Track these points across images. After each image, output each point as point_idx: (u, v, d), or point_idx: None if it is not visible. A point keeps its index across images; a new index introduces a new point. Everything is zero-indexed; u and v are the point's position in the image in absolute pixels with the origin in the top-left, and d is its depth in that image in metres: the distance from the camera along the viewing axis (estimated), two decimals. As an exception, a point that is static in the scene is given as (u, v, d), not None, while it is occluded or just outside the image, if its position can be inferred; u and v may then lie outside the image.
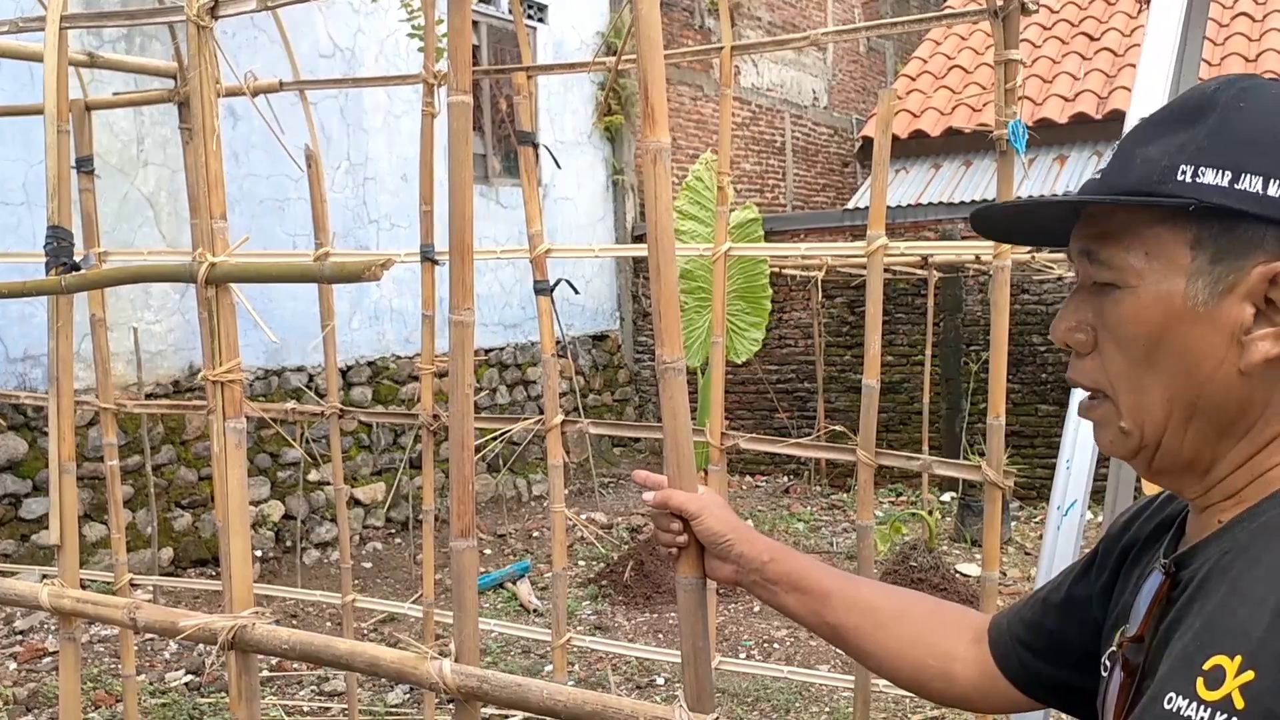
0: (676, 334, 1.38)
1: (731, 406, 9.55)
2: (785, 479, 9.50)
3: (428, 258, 3.34)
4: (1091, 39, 9.89)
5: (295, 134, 3.91)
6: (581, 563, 7.08)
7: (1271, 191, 0.84)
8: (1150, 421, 0.90)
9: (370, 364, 7.77)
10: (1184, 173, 0.86)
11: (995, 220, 1.01)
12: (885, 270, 8.49)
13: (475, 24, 8.76)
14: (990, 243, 2.66)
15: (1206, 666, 0.80)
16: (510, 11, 7.04)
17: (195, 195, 3.57)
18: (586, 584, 6.51)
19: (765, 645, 5.52)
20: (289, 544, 6.96)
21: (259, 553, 6.70)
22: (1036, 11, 2.77)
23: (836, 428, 4.29)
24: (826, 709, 4.67)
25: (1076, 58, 9.73)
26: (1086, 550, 1.22)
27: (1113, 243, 0.90)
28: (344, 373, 7.48)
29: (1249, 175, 0.85)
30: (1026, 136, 2.65)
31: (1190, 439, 0.90)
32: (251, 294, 1.86)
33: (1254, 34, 9.18)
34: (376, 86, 6.77)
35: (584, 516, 7.83)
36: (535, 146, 3.17)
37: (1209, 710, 0.78)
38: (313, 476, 7.20)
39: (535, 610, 6.02)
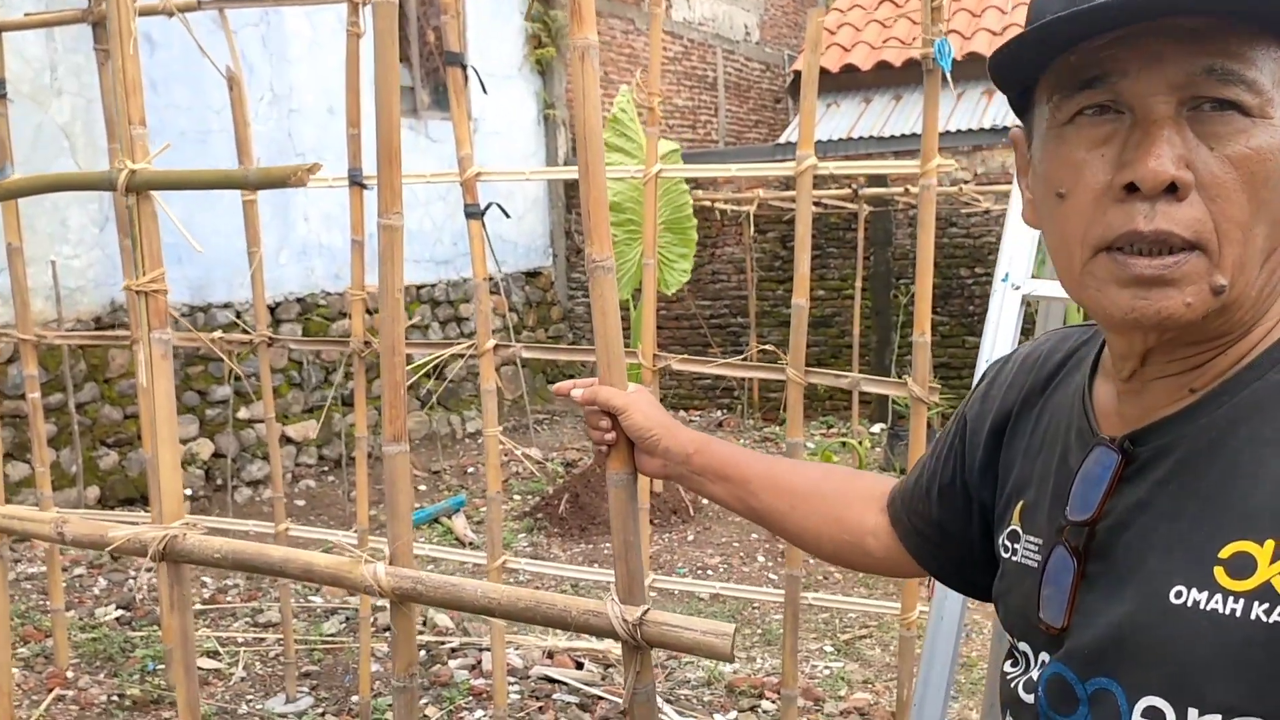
0: (605, 232, 1.39)
1: (665, 341, 9.60)
2: (719, 413, 9.60)
3: (356, 182, 3.30)
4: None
5: (216, 61, 3.81)
6: (517, 496, 7.12)
7: None
8: (1245, 276, 0.78)
9: (299, 300, 7.67)
10: None
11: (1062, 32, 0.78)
12: (816, 204, 8.56)
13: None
14: (916, 165, 2.69)
15: (1224, 554, 0.75)
16: (437, -62, 6.88)
17: (113, 119, 3.48)
18: (522, 517, 6.56)
19: (699, 572, 5.62)
20: (219, 482, 6.89)
21: (189, 491, 6.63)
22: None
23: (767, 347, 4.34)
24: (759, 630, 4.78)
25: None
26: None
27: (1253, 65, 0.75)
28: (273, 310, 7.37)
29: None
30: (953, 55, 2.68)
31: (1255, 295, 0.80)
32: (169, 230, 1.83)
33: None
34: (301, 5, 6.60)
35: (519, 452, 7.85)
36: (464, 68, 3.13)
37: (1241, 601, 0.73)
38: (243, 414, 7.11)
39: (471, 544, 6.04)
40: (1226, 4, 0.73)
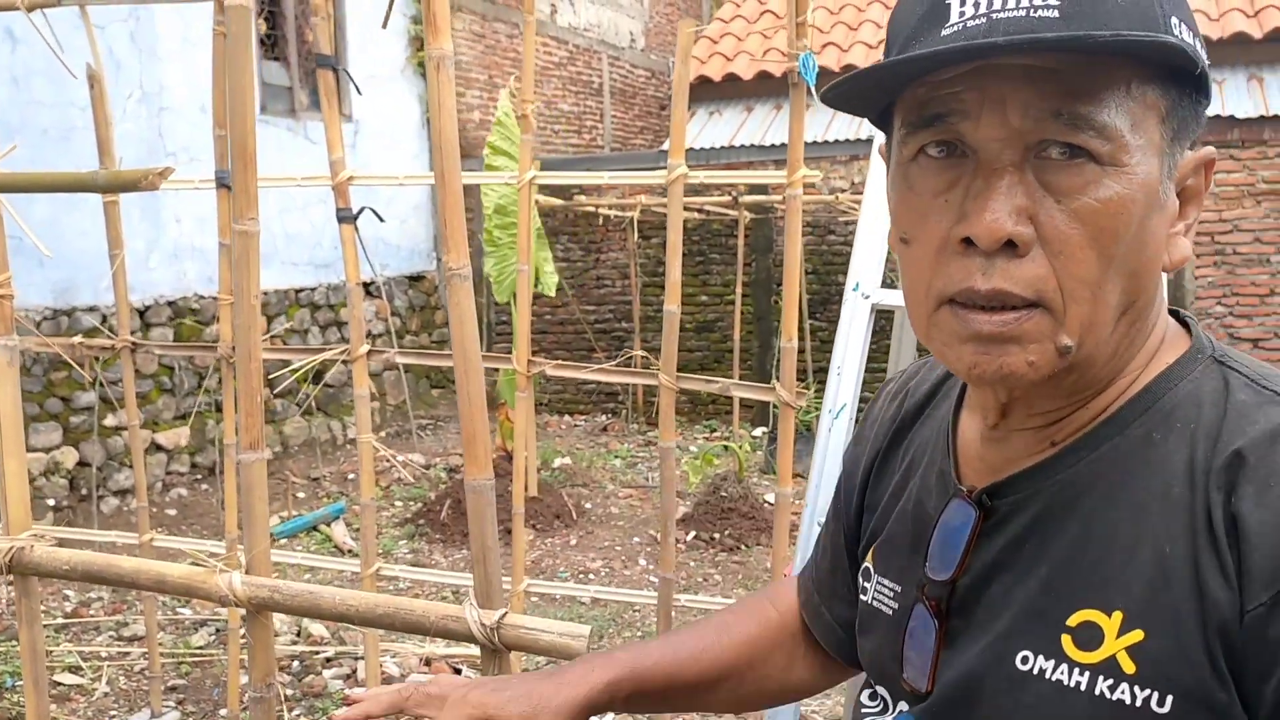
0: (462, 240, 1.40)
1: (550, 346, 9.59)
2: (603, 417, 9.63)
3: (224, 184, 3.24)
4: (895, -11, 10.27)
5: (78, 58, 3.69)
6: (399, 503, 7.03)
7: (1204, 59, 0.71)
8: (1096, 335, 0.73)
9: (171, 304, 7.45)
10: (1176, 25, 0.70)
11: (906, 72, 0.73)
12: (699, 211, 8.63)
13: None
14: (783, 175, 2.77)
15: (1072, 622, 0.73)
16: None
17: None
18: (404, 524, 6.48)
19: (581, 576, 5.64)
20: (84, 492, 6.65)
21: (51, 502, 6.38)
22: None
23: (644, 354, 4.39)
24: (640, 633, 4.82)
25: (880, 6, 10.06)
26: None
27: (1104, 107, 0.69)
28: (142, 313, 7.15)
29: (1198, 40, 0.72)
30: (817, 69, 2.76)
31: (1121, 344, 0.76)
32: (36, 228, 1.77)
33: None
34: (165, 2, 6.42)
35: (402, 458, 7.76)
36: (335, 71, 3.10)
37: (1087, 674, 0.71)
38: (109, 421, 6.88)
39: (350, 551, 5.95)
40: (1072, 43, 0.67)
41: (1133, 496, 0.73)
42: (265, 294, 7.74)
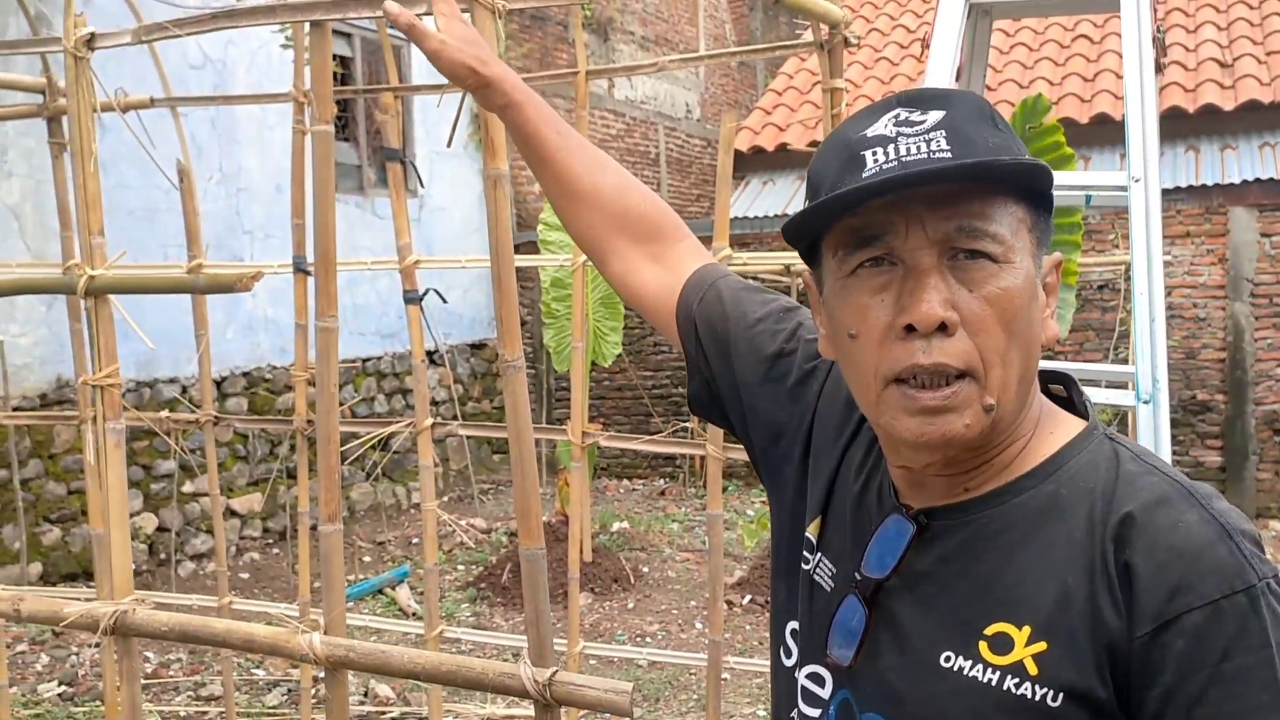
0: (516, 335, 1.58)
1: (608, 411, 9.77)
2: (661, 482, 9.76)
3: (300, 269, 3.47)
4: (919, 60, 10.44)
5: (167, 145, 3.98)
6: (461, 567, 7.20)
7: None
8: (1008, 395, 0.92)
9: (245, 374, 7.76)
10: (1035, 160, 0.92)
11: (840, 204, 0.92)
12: (753, 278, 8.79)
13: (348, 35, 8.82)
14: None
15: (989, 632, 0.91)
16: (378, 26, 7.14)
17: (65, 208, 3.62)
18: (465, 587, 6.64)
19: (638, 639, 5.74)
20: (163, 556, 6.92)
21: (131, 566, 6.64)
22: (859, 46, 3.05)
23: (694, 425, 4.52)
24: (695, 696, 4.91)
25: (904, 79, 10.25)
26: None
27: (994, 221, 0.90)
28: (219, 383, 7.46)
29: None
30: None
31: (1015, 411, 0.94)
32: (123, 304, 1.98)
33: (1092, 55, 9.81)
34: (248, 104, 6.80)
35: (464, 522, 7.95)
36: (403, 163, 3.33)
37: (998, 673, 0.89)
38: (187, 488, 7.16)
39: (415, 614, 6.12)
40: (972, 176, 0.89)
41: (1044, 537, 0.92)
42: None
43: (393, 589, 6.55)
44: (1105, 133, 8.91)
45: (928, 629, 0.95)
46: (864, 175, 0.90)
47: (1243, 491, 8.19)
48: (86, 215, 1.83)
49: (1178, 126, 8.80)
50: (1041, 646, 0.89)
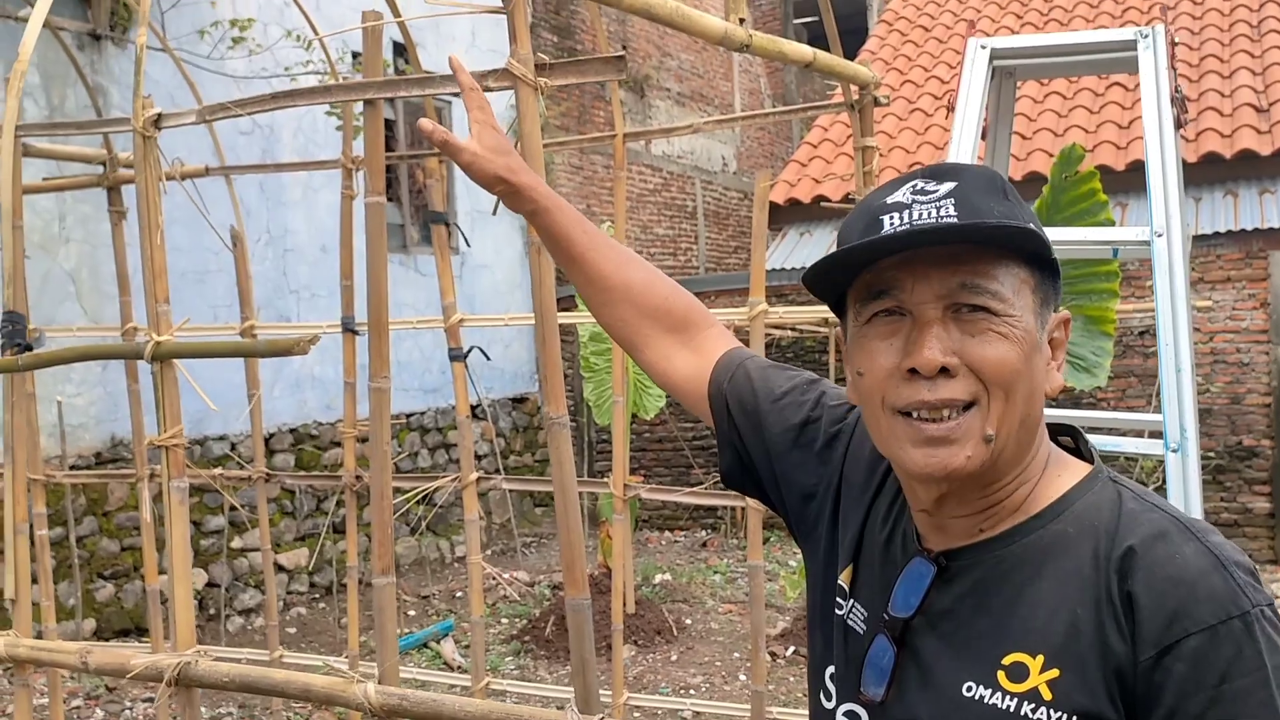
0: (560, 394, 1.66)
1: (649, 463, 9.82)
2: (703, 533, 9.76)
3: (348, 329, 3.57)
4: (945, 126, 10.52)
5: (215, 208, 4.12)
6: (505, 620, 7.23)
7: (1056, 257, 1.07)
8: (1007, 429, 1.00)
9: (292, 431, 7.90)
10: (1036, 227, 1.02)
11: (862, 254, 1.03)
12: (791, 329, 8.83)
13: (391, 101, 9.05)
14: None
15: (1006, 662, 0.99)
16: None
17: (124, 274, 3.76)
18: (509, 640, 6.67)
19: (682, 691, 5.74)
20: (213, 611, 7.02)
21: (182, 621, 6.75)
22: (890, 103, 3.12)
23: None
24: (739, 749, 4.90)
25: (939, 130, 10.33)
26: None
27: (994, 279, 1.00)
28: (266, 440, 7.59)
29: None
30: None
31: (1016, 448, 1.03)
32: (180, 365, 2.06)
33: (1126, 102, 9.85)
34: (298, 171, 7.00)
35: (507, 575, 8.00)
36: (447, 225, 3.44)
37: (1015, 700, 0.97)
38: (235, 544, 7.28)
39: (460, 667, 6.16)
40: (966, 237, 0.99)
41: (1053, 572, 1.01)
42: (366, 420, 8.16)
43: (438, 643, 6.60)
44: (1141, 179, 8.93)
45: (950, 662, 1.03)
46: (880, 236, 1.01)
47: (1293, 538, 8.07)
48: (153, 284, 1.93)
49: (1215, 172, 8.79)
50: (1055, 674, 0.97)
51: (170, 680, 1.90)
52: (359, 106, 3.92)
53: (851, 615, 1.15)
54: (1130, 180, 8.99)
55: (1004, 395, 1.00)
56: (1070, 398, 8.28)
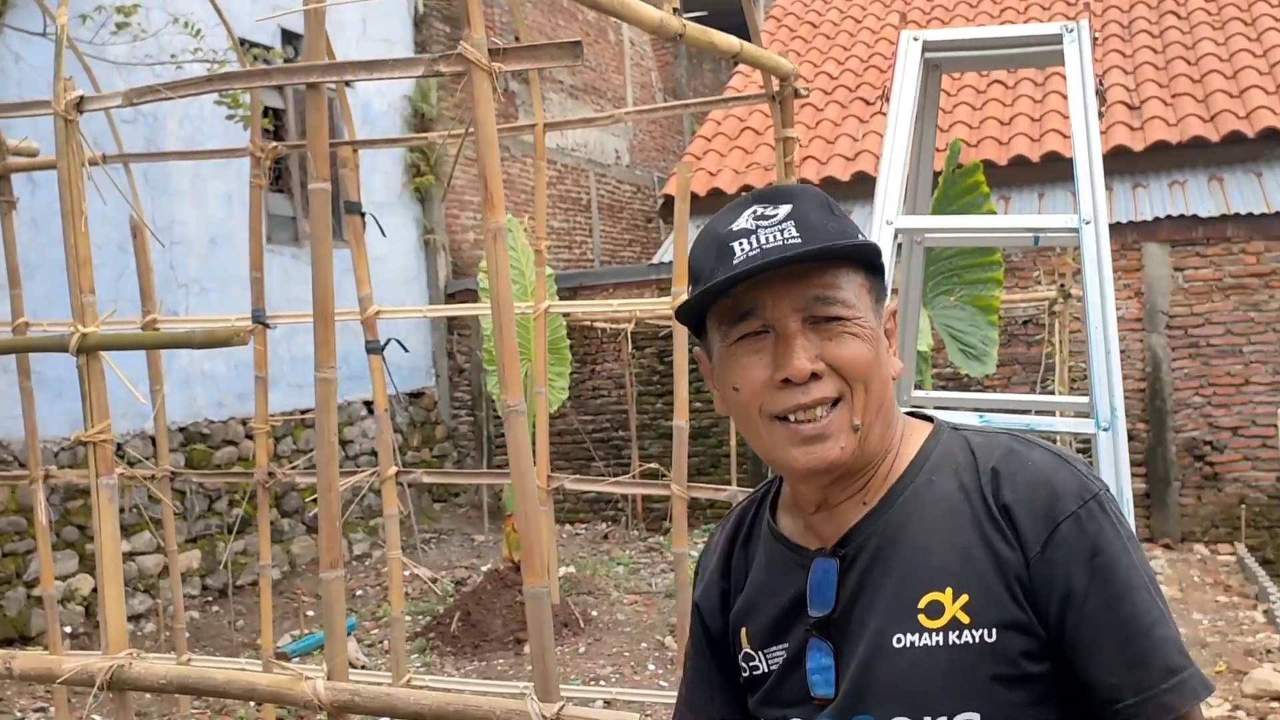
0: (517, 381, 1.64)
1: (550, 457, 9.79)
2: (604, 525, 9.78)
3: (259, 321, 3.48)
4: (867, 103, 10.76)
5: (97, 199, 3.95)
6: (407, 617, 7.13)
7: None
8: (869, 416, 1.13)
9: (182, 430, 7.65)
10: (861, 237, 1.16)
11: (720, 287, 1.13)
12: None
13: (280, 88, 8.83)
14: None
15: (922, 605, 1.09)
16: (320, 78, 7.16)
17: (14, 266, 3.59)
18: (414, 637, 6.59)
19: (591, 683, 5.75)
20: (99, 619, 6.76)
21: (68, 629, 6.49)
22: (809, 96, 3.18)
23: (651, 465, 4.60)
24: (652, 737, 4.93)
25: (855, 120, 10.55)
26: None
27: (840, 289, 1.12)
28: (153, 439, 7.34)
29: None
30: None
31: (880, 429, 1.16)
32: (52, 364, 1.97)
33: (1035, 114, 10.18)
34: (208, 159, 6.77)
35: (406, 572, 7.89)
36: (362, 215, 3.38)
37: (940, 634, 1.07)
38: (124, 547, 7.02)
39: (363, 666, 6.06)
40: (815, 257, 1.10)
41: (932, 515, 1.13)
42: (272, 416, 7.96)
43: (340, 642, 6.47)
44: (1022, 174, 9.27)
45: (875, 626, 1.12)
46: (735, 263, 1.11)
47: (1166, 516, 8.48)
48: (77, 274, 1.86)
49: (1091, 167, 9.15)
50: (965, 599, 1.08)
51: (103, 684, 1.83)
52: (247, 96, 3.82)
53: (771, 660, 1.20)
54: (1012, 175, 9.32)
55: (864, 388, 1.12)
56: (960, 385, 8.55)
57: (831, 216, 1.14)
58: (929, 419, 1.24)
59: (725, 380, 1.16)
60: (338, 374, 6.39)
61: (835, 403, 1.12)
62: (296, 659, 6.21)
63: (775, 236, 1.10)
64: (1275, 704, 5.05)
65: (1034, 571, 1.07)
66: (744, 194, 1.21)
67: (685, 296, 1.21)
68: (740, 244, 1.11)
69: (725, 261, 1.11)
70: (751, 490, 1.36)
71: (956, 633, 1.07)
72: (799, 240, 1.10)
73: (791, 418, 1.11)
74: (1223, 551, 8.09)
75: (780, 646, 1.19)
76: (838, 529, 1.17)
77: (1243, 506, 8.26)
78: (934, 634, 1.08)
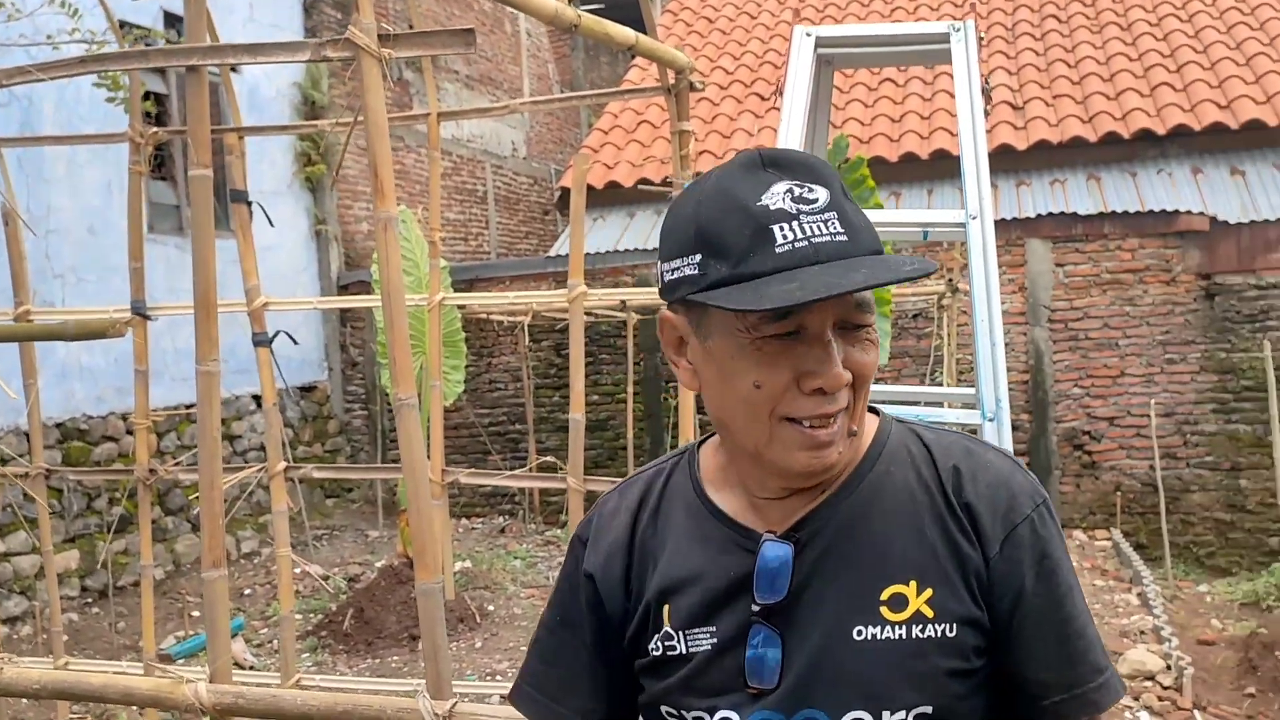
0: (409, 374, 1.61)
1: (446, 451, 9.68)
2: (501, 519, 9.72)
3: (139, 313, 3.36)
4: (762, 99, 10.88)
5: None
6: (298, 616, 6.98)
7: None
8: (861, 419, 1.10)
9: (59, 425, 7.35)
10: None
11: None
12: (587, 314, 8.93)
13: (163, 71, 8.54)
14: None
15: (884, 597, 1.07)
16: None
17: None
18: (305, 636, 6.46)
19: (488, 678, 5.71)
20: (-30, 623, 6.47)
21: (-64, 635, 6.19)
22: (705, 89, 3.19)
23: (548, 458, 4.58)
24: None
25: (750, 115, 10.66)
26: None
27: (869, 299, 1.07)
28: (27, 435, 7.05)
29: None
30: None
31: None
32: None
33: (925, 112, 10.39)
34: (86, 144, 6.49)
35: (297, 570, 7.73)
36: (249, 204, 3.29)
37: (903, 628, 1.06)
38: (-3, 548, 6.72)
39: (251, 667, 5.91)
40: (888, 282, 1.02)
41: (892, 508, 1.11)
42: (155, 411, 7.71)
43: (228, 643, 6.31)
44: (910, 171, 9.49)
45: (831, 616, 1.08)
46: (777, 249, 1.02)
47: (1048, 504, 8.77)
48: (-60, 261, 1.76)
49: (978, 165, 9.42)
50: (930, 593, 1.07)
51: (-31, 693, 1.75)
52: (128, 79, 3.69)
53: (694, 642, 1.13)
54: (903, 171, 9.53)
55: (864, 393, 1.10)
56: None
57: (855, 205, 1.07)
58: (874, 410, 1.21)
59: (737, 372, 1.06)
60: (225, 367, 6.25)
61: (842, 410, 1.08)
62: (181, 661, 6.03)
63: (819, 229, 1.02)
64: (1148, 683, 5.27)
65: (992, 570, 1.08)
66: (739, 153, 1.13)
67: (684, 266, 1.07)
68: (782, 229, 1.02)
69: (766, 247, 1.02)
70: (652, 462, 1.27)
71: (920, 626, 1.06)
72: (845, 239, 1.03)
73: (807, 422, 1.05)
74: (1100, 537, 8.41)
75: (706, 630, 1.12)
76: (789, 513, 1.12)
77: (1118, 493, 8.60)
78: (896, 627, 1.07)
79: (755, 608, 1.10)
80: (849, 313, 1.05)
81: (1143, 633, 6.01)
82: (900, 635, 1.06)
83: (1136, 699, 5.08)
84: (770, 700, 1.09)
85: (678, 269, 1.08)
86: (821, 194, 1.04)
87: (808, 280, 1.00)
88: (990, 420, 2.00)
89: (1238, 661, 5.60)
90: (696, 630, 1.13)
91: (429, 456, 3.32)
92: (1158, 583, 7.01)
